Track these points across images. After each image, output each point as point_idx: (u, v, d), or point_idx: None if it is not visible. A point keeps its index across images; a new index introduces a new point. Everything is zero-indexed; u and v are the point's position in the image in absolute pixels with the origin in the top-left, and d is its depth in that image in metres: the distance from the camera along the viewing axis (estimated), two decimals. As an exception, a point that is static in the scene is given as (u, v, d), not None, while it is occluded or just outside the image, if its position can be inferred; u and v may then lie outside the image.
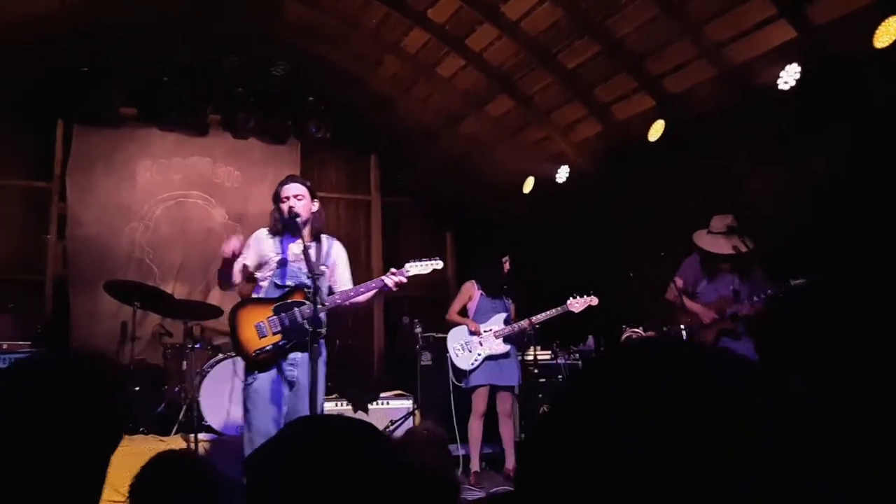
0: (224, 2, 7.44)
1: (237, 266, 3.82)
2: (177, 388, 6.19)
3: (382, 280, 3.87)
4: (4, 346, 5.11)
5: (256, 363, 3.64)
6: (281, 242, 3.88)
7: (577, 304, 5.71)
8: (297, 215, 3.77)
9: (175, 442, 5.52)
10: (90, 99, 7.65)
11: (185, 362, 6.15)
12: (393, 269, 3.91)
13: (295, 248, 3.85)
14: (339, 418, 1.21)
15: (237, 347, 3.73)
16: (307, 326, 3.66)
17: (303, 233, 3.79)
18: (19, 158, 7.87)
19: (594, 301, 5.71)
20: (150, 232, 8.01)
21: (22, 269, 7.68)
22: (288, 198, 3.84)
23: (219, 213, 8.33)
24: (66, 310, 7.55)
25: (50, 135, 7.87)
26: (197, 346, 6.17)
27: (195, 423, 5.48)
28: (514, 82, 7.44)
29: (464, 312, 5.99)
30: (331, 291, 3.93)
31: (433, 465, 1.84)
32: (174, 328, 6.78)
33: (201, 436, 5.44)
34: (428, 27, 7.18)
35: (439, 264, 4.01)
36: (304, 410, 3.59)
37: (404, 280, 3.88)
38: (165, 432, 5.71)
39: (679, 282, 5.06)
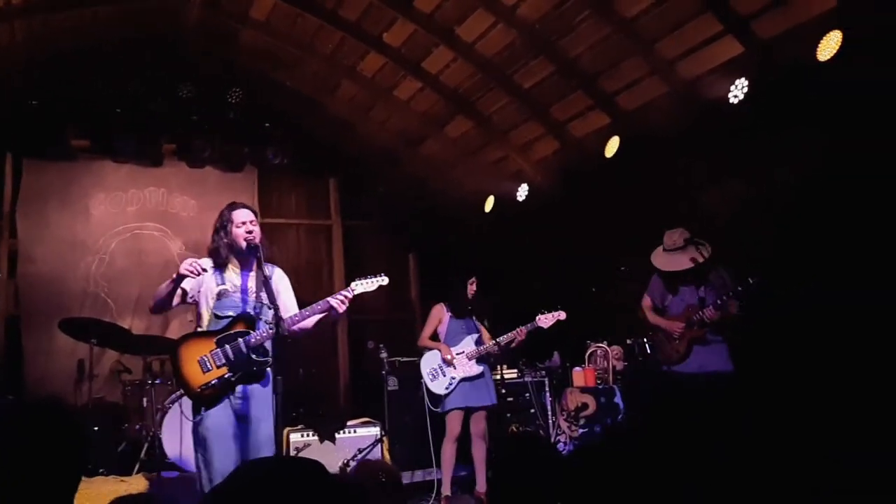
0: (178, 30, 7.36)
1: (180, 290, 3.67)
2: (137, 426, 6.03)
3: (328, 301, 3.72)
4: (-45, 391, 4.90)
5: (203, 399, 3.49)
6: (218, 272, 3.72)
7: (545, 320, 5.59)
8: (256, 243, 3.65)
9: (137, 481, 5.36)
10: (40, 132, 7.50)
11: (145, 399, 6.02)
12: (340, 291, 3.81)
13: (233, 277, 3.72)
14: (290, 459, 1.26)
15: (181, 384, 3.58)
16: (253, 357, 3.56)
17: (257, 261, 3.67)
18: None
19: (562, 315, 5.60)
20: (105, 266, 7.82)
21: (-28, 310, 7.44)
22: (245, 223, 3.70)
23: (175, 244, 8.17)
24: (20, 349, 7.32)
25: (-2, 170, 7.67)
26: (157, 381, 6.04)
27: (157, 461, 5.34)
28: (472, 103, 7.48)
29: (435, 336, 5.90)
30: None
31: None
32: (133, 364, 6.62)
33: (164, 474, 5.30)
34: (384, 51, 7.19)
35: (384, 280, 3.93)
36: (258, 444, 3.48)
37: (349, 297, 3.76)
38: (127, 472, 5.55)
39: (647, 300, 5.17)
